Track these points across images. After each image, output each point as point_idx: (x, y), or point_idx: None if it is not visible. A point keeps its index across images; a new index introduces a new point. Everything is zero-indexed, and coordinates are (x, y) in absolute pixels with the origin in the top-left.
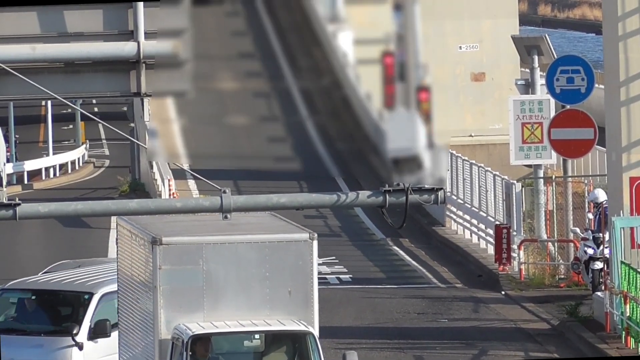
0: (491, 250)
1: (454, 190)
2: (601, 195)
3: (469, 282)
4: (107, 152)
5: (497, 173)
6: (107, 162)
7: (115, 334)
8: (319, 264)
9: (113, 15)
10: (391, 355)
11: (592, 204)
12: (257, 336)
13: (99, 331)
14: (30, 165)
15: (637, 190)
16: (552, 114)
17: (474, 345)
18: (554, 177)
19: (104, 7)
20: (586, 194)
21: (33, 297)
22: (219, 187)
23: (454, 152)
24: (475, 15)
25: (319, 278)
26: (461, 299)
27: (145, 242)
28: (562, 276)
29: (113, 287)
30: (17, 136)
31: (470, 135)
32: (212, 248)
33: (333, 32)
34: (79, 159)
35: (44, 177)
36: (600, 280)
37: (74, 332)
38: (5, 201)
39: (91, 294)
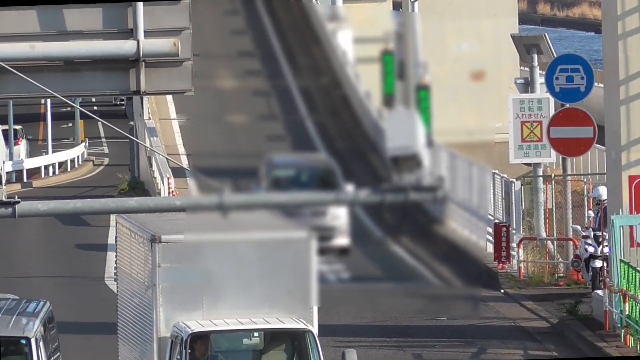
0: (490, 248)
1: None
2: (604, 193)
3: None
4: (106, 150)
5: (497, 171)
6: (106, 161)
7: None
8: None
9: (112, 13)
10: (390, 353)
11: (592, 201)
12: (256, 334)
13: None
14: (29, 163)
15: (637, 188)
16: (552, 112)
17: (473, 344)
18: (553, 175)
19: (103, 6)
20: (585, 193)
21: None
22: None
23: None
24: (474, 14)
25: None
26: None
27: (144, 240)
28: (561, 274)
29: (39, 324)
30: (21, 128)
31: (470, 134)
32: (211, 246)
33: (332, 30)
34: (78, 157)
35: (43, 175)
36: (601, 278)
37: None
38: (4, 199)
39: (28, 339)
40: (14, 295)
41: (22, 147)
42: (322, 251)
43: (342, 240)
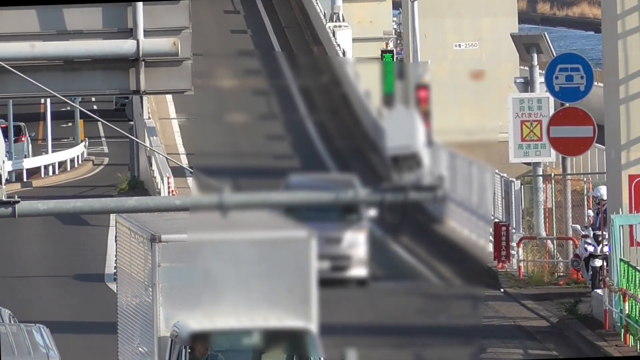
0: (490, 247)
1: None
2: (605, 192)
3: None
4: (106, 150)
5: (497, 171)
6: (106, 160)
7: None
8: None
9: (112, 13)
10: (390, 353)
11: (592, 200)
12: (256, 333)
13: None
14: (29, 162)
15: (636, 188)
16: (552, 111)
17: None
18: (553, 174)
19: (103, 5)
20: (585, 192)
21: None
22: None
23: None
24: (474, 14)
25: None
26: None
27: (144, 240)
28: (561, 274)
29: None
30: (24, 126)
31: (469, 133)
32: (211, 245)
33: (333, 30)
34: (78, 156)
35: (43, 175)
36: (600, 278)
37: None
38: (4, 198)
39: None
40: (7, 310)
41: (25, 144)
42: (338, 283)
43: (359, 271)
